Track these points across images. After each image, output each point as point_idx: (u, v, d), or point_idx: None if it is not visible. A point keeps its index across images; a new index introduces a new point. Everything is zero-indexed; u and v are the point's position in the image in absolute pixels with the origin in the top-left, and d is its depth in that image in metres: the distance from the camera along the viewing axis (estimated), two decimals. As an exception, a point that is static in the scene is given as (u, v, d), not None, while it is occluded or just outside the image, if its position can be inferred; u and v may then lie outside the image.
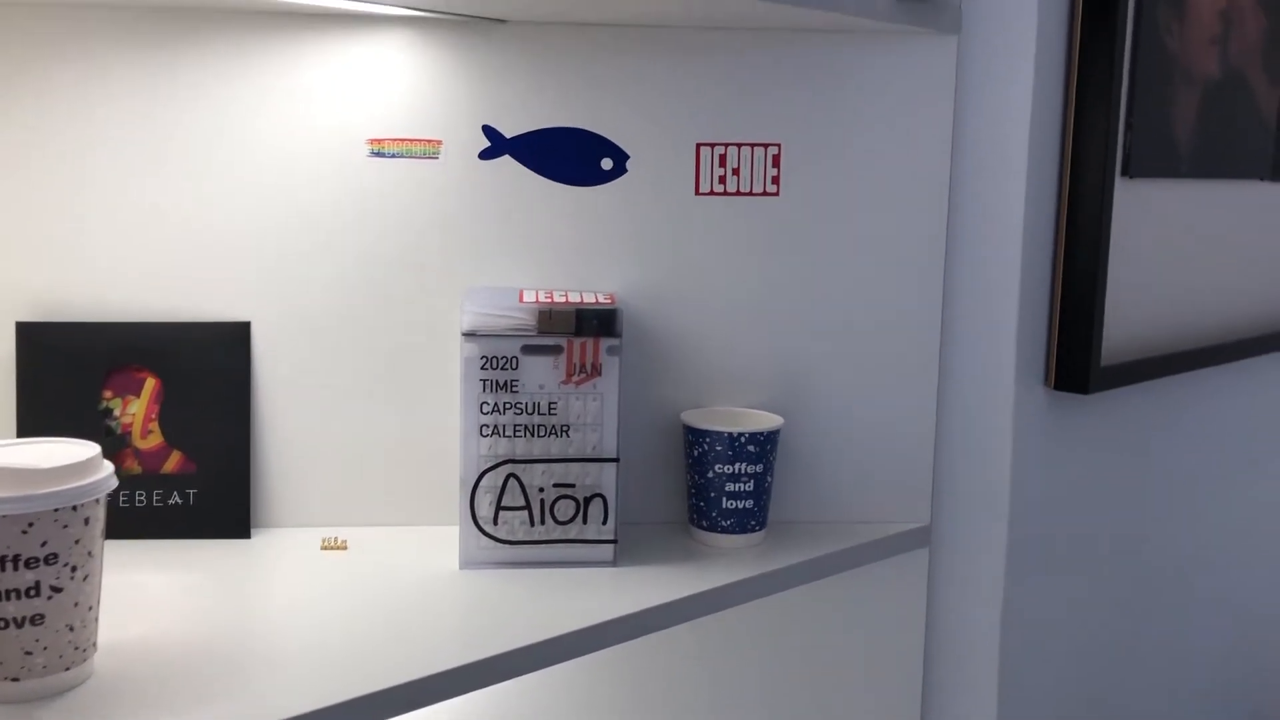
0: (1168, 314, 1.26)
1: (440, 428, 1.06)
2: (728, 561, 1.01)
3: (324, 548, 1.01)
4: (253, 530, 1.04)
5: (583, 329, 0.96)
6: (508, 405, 0.96)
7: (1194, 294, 1.30)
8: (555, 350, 0.96)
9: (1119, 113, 1.11)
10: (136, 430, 1.01)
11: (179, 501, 1.01)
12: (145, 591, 0.90)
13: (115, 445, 1.00)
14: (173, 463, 1.01)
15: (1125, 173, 1.15)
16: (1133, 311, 1.20)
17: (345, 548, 1.01)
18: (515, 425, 0.96)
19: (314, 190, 1.02)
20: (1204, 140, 1.26)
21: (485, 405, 0.96)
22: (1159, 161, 1.20)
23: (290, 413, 1.05)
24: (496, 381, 0.96)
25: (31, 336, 0.99)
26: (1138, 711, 1.33)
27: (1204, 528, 1.40)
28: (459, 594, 0.92)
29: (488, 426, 0.96)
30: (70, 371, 0.99)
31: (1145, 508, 1.30)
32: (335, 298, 1.04)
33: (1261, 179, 1.37)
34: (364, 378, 1.05)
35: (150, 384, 1.01)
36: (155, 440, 1.01)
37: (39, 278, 1.00)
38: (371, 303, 1.04)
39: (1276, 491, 1.52)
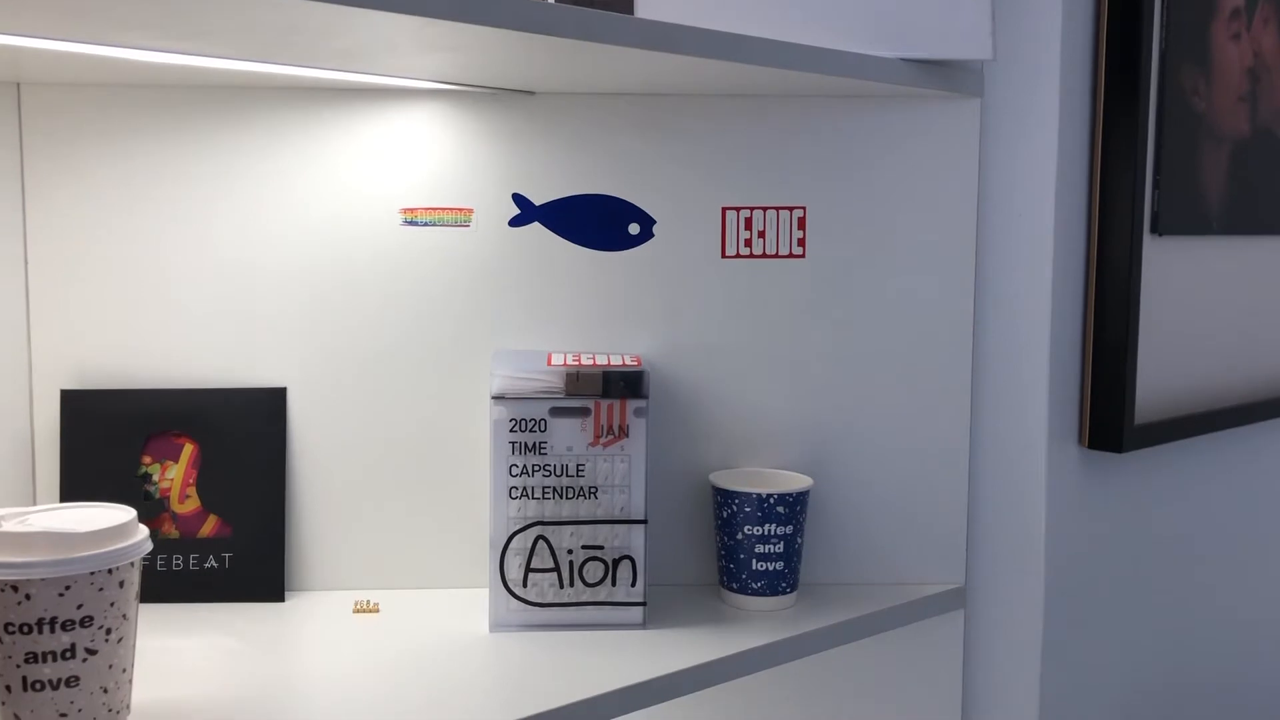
0: (1201, 371, 1.24)
1: (470, 490, 1.07)
2: (758, 624, 1.00)
3: (356, 611, 1.01)
4: (286, 594, 1.05)
5: (610, 391, 0.97)
6: (536, 467, 0.97)
7: (1228, 350, 1.28)
8: (583, 412, 0.97)
9: (1145, 171, 1.11)
10: (174, 495, 1.03)
11: (215, 565, 1.02)
12: (179, 654, 0.91)
13: (153, 510, 1.02)
14: (209, 527, 1.03)
15: (1154, 230, 1.15)
16: (1166, 369, 1.19)
17: (377, 610, 1.02)
18: (544, 487, 0.97)
19: (349, 259, 1.05)
20: (1235, 197, 1.26)
21: (514, 467, 0.97)
22: (1188, 219, 1.20)
23: (324, 477, 1.06)
24: (525, 444, 0.97)
25: (75, 403, 1.01)
26: (1186, 779, 1.30)
27: (1242, 585, 1.37)
28: (489, 656, 0.92)
29: (517, 489, 0.97)
30: (111, 437, 1.01)
31: (1182, 566, 1.28)
32: (369, 363, 1.06)
33: (1295, 234, 1.37)
34: (395, 442, 1.07)
35: (188, 449, 1.03)
36: (192, 505, 1.03)
37: (82, 346, 1.03)
38: (404, 368, 1.06)
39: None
